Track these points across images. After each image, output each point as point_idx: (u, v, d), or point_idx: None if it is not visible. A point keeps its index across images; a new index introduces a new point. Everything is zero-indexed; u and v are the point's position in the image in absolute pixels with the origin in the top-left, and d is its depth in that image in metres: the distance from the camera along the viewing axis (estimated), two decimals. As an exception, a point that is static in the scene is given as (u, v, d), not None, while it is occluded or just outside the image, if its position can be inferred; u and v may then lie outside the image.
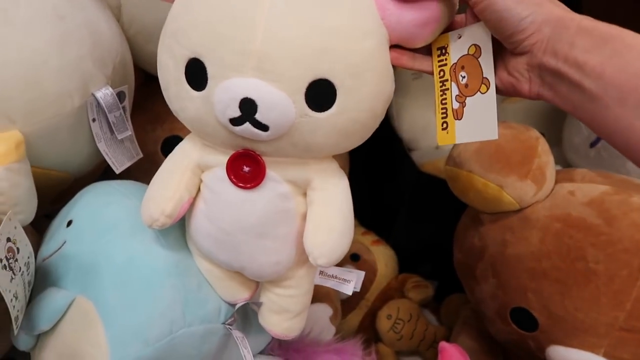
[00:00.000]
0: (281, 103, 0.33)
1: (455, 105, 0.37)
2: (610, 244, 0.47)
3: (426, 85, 0.81)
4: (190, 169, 0.39)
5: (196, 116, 0.36)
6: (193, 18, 0.34)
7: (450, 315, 0.73)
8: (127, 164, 0.54)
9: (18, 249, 0.37)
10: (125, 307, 0.38)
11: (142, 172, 0.63)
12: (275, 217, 0.38)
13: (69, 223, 0.45)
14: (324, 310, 0.63)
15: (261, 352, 0.49)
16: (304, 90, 0.33)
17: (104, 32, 0.50)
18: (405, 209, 0.81)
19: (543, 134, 0.86)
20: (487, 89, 0.35)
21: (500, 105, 0.87)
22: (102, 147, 0.51)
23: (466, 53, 0.36)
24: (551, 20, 0.32)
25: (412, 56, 0.38)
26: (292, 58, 0.32)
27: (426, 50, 0.39)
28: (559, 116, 0.81)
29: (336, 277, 0.45)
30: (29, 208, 0.44)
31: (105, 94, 0.48)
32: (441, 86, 0.38)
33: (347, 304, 0.72)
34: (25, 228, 0.40)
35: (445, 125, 0.38)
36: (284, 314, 0.43)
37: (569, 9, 0.34)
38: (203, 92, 0.34)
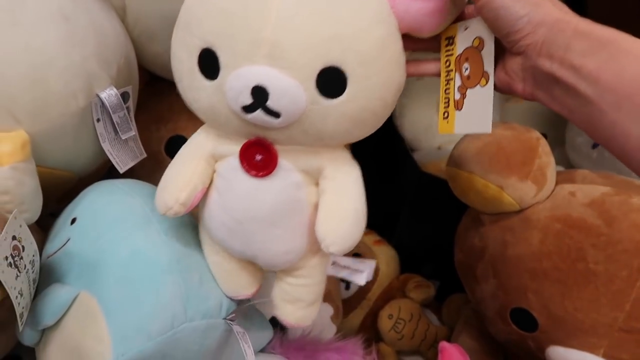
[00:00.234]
0: (292, 90, 0.33)
1: (457, 95, 0.37)
2: (610, 244, 0.47)
3: (429, 86, 0.81)
4: (204, 159, 0.40)
5: (209, 105, 0.37)
6: (206, 9, 0.35)
7: (451, 315, 0.73)
8: (131, 164, 0.54)
9: (23, 247, 0.38)
10: (128, 302, 0.39)
11: (146, 171, 0.64)
12: (287, 206, 0.39)
13: (73, 221, 0.46)
14: (325, 309, 0.63)
15: (262, 351, 0.50)
16: (314, 77, 0.33)
17: (109, 33, 0.50)
18: (407, 209, 0.81)
19: (546, 135, 0.86)
20: (487, 82, 0.36)
21: (503, 106, 0.88)
22: (107, 147, 0.51)
23: (470, 45, 0.37)
24: (547, 22, 0.32)
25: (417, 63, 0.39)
26: (303, 46, 0.33)
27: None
28: (561, 117, 0.81)
29: (349, 268, 0.45)
30: (34, 207, 0.45)
31: (109, 94, 0.49)
32: (446, 76, 0.38)
33: (348, 304, 0.72)
34: (30, 226, 0.41)
35: (446, 114, 0.38)
36: (297, 303, 0.44)
37: (568, 10, 0.33)
38: (215, 81, 0.35)
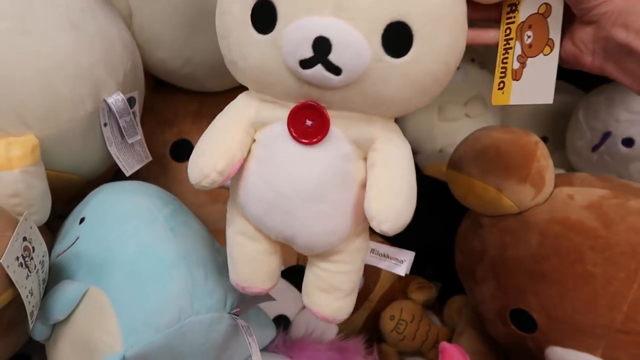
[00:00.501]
0: (358, 43, 0.31)
1: (516, 65, 0.36)
2: (608, 247, 0.47)
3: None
4: (244, 128, 0.37)
5: (259, 62, 0.34)
6: None
7: (452, 316, 0.73)
8: (137, 167, 0.55)
9: (33, 247, 0.39)
10: (136, 297, 0.40)
11: (152, 174, 0.65)
12: (335, 179, 0.36)
13: (82, 220, 0.47)
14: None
15: (264, 350, 0.50)
16: (381, 32, 0.31)
17: (115, 40, 0.51)
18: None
19: (547, 138, 0.87)
20: (551, 50, 0.34)
21: (504, 109, 0.88)
22: (113, 150, 0.52)
23: (536, 12, 0.35)
24: None
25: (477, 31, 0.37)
26: None
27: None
28: (562, 120, 0.82)
29: (389, 257, 0.43)
30: (43, 209, 0.46)
31: (116, 99, 0.50)
32: (505, 44, 0.37)
33: (350, 305, 0.73)
34: (39, 228, 0.42)
35: (502, 85, 0.37)
36: (335, 292, 0.40)
37: None
38: (270, 34, 0.33)
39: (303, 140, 0.35)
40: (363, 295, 0.74)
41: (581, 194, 0.51)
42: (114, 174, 0.60)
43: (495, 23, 0.38)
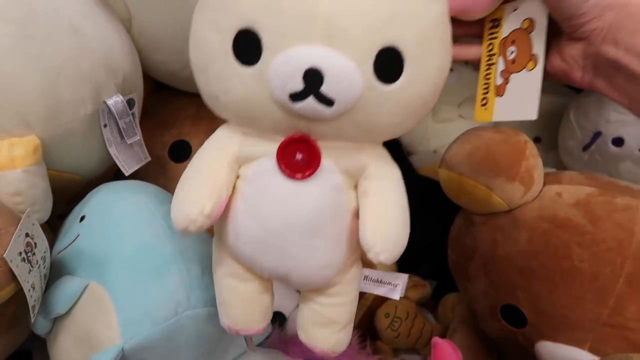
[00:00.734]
0: (350, 73, 0.29)
1: (499, 81, 0.35)
2: (595, 243, 0.48)
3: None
4: (228, 164, 0.35)
5: (244, 96, 0.32)
6: None
7: (447, 314, 0.74)
8: (136, 167, 0.56)
9: (35, 243, 0.40)
10: (135, 291, 0.41)
11: (150, 175, 0.66)
12: (329, 211, 0.34)
13: (82, 218, 0.48)
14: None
15: (260, 345, 0.51)
16: (373, 59, 0.30)
17: (115, 43, 0.52)
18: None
19: (540, 138, 0.88)
20: (535, 65, 0.34)
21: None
22: (113, 151, 0.53)
23: (519, 27, 0.34)
24: (615, 6, 0.30)
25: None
26: (363, 22, 0.29)
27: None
28: (554, 120, 0.83)
29: (382, 282, 0.42)
30: (45, 207, 0.47)
31: (116, 101, 0.51)
32: (488, 60, 0.36)
33: (346, 303, 0.73)
34: (41, 226, 0.43)
35: (484, 101, 0.36)
36: (332, 326, 0.39)
37: None
38: (255, 67, 0.30)
39: (295, 175, 0.33)
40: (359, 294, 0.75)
41: (569, 192, 0.52)
42: (113, 176, 0.61)
43: (478, 38, 0.38)
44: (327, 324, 0.39)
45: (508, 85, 0.35)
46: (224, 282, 0.39)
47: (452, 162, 0.56)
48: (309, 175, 0.33)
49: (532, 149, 0.54)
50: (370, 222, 0.33)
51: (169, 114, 0.71)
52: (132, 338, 0.40)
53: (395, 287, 0.43)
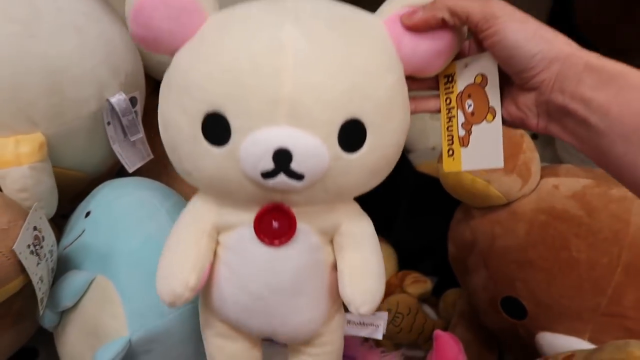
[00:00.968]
0: (317, 149, 0.31)
1: (461, 132, 0.37)
2: (591, 233, 0.49)
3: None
4: (207, 233, 0.36)
5: (217, 174, 0.33)
6: (209, 70, 0.32)
7: (448, 309, 0.74)
8: (139, 164, 0.57)
9: (43, 237, 0.41)
10: (142, 284, 0.42)
11: (153, 173, 0.67)
12: (309, 271, 0.36)
13: (87, 214, 0.49)
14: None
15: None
16: (337, 132, 0.32)
17: (118, 43, 0.53)
18: (404, 208, 0.83)
19: (537, 135, 0.88)
20: (493, 118, 0.35)
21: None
22: (116, 148, 0.54)
23: (472, 82, 0.36)
24: (560, 57, 0.32)
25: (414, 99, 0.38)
26: (325, 101, 0.31)
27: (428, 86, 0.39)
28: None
29: (365, 324, 0.44)
30: (50, 203, 0.47)
31: (119, 99, 0.51)
32: (447, 113, 0.38)
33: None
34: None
35: (451, 152, 0.38)
36: None
37: (578, 46, 0.33)
38: (225, 147, 0.32)
39: (273, 242, 0.35)
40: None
41: (566, 184, 0.53)
42: (116, 174, 0.61)
43: (435, 92, 0.39)
44: None
45: (471, 136, 0.36)
46: (213, 342, 0.40)
47: (450, 157, 0.56)
48: (287, 240, 0.35)
49: (528, 142, 0.55)
50: (348, 278, 0.36)
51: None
52: (139, 329, 0.40)
53: (378, 327, 0.45)
